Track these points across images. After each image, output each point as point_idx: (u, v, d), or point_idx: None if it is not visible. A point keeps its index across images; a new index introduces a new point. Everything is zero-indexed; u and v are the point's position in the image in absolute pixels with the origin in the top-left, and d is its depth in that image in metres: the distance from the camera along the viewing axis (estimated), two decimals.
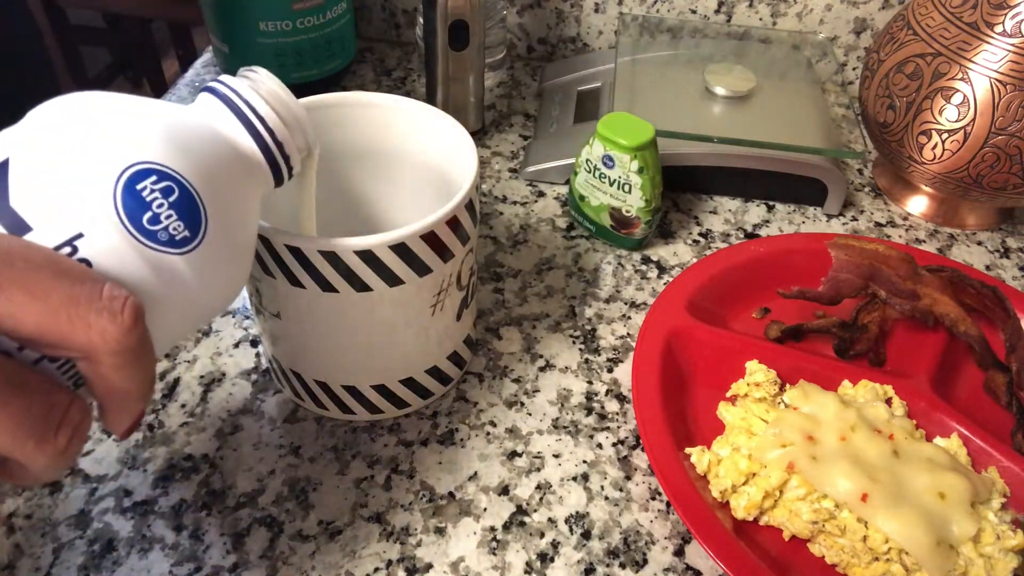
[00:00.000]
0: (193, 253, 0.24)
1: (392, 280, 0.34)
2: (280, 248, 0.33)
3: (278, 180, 0.29)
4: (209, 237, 0.24)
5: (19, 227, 0.21)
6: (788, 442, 0.37)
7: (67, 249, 0.22)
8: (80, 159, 0.22)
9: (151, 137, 0.23)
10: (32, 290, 0.20)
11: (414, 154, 0.42)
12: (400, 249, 0.33)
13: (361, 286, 0.34)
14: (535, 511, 0.38)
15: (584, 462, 0.40)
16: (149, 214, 0.22)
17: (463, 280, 0.38)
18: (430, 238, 0.34)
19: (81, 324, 0.20)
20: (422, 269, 0.34)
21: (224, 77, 0.28)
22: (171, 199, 0.23)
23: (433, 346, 0.39)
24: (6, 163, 0.22)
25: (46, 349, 0.21)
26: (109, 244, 0.22)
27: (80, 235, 0.22)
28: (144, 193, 0.22)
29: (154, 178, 0.23)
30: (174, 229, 0.23)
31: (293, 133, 0.28)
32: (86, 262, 0.22)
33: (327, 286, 0.33)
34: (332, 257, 0.32)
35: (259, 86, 0.28)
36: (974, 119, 0.48)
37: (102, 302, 0.20)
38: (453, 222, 0.34)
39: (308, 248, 0.32)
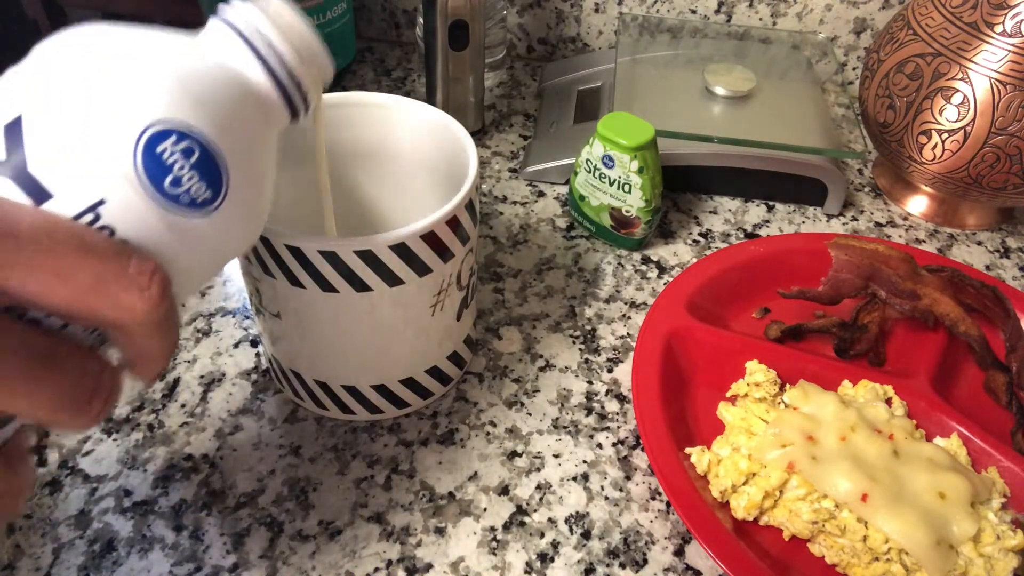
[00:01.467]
0: (216, 213, 0.23)
1: (392, 280, 0.34)
2: (280, 248, 0.33)
3: (295, 115, 0.28)
4: (231, 194, 0.24)
5: (40, 194, 0.21)
6: (788, 442, 0.37)
7: (90, 216, 0.21)
8: (97, 120, 0.22)
9: (167, 90, 0.23)
10: (59, 270, 0.20)
11: (414, 154, 0.42)
12: (400, 249, 0.33)
13: (361, 286, 0.34)
14: (535, 511, 0.38)
15: (584, 462, 0.40)
16: (170, 178, 0.22)
17: (463, 280, 0.38)
18: (430, 238, 0.34)
19: (109, 301, 0.20)
20: (422, 269, 0.34)
21: (237, 4, 0.26)
22: (192, 160, 0.22)
23: (433, 346, 0.39)
24: (19, 122, 0.21)
25: (74, 323, 0.21)
26: (131, 210, 0.22)
27: (102, 201, 0.21)
28: (164, 156, 0.22)
29: (173, 139, 0.22)
30: (196, 191, 0.23)
31: (308, 66, 0.27)
32: (109, 228, 0.22)
33: (327, 286, 0.33)
34: (332, 257, 0.32)
35: (275, 17, 0.26)
36: (974, 119, 0.48)
37: (129, 278, 0.21)
38: (453, 222, 0.34)
39: (308, 248, 0.32)
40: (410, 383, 0.40)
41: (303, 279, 0.33)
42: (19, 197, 0.21)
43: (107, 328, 0.22)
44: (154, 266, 0.21)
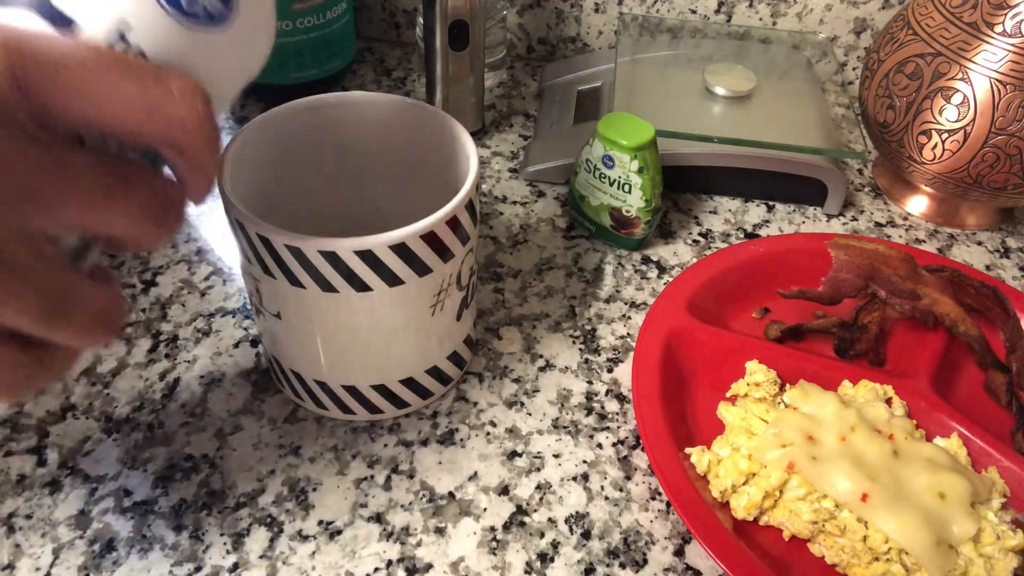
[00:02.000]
0: (232, 26, 0.24)
1: (392, 280, 0.34)
2: (280, 248, 0.33)
3: None
4: (242, 5, 0.24)
5: (65, 23, 0.22)
6: (788, 442, 0.37)
7: (120, 44, 0.22)
8: None
9: None
10: (113, 97, 0.21)
11: (414, 154, 0.42)
12: (400, 249, 0.33)
13: (361, 286, 0.34)
14: (535, 511, 0.38)
15: (584, 462, 0.40)
16: None
17: (463, 280, 0.38)
18: (430, 238, 0.34)
19: (161, 123, 0.22)
20: (422, 269, 0.34)
21: None
22: None
23: (433, 346, 0.39)
24: None
25: (131, 144, 0.24)
26: (156, 31, 0.23)
27: (128, 27, 0.22)
28: None
29: None
30: (211, 5, 0.23)
31: None
32: (139, 51, 0.23)
33: (327, 286, 0.33)
34: (332, 257, 0.32)
35: None
36: (974, 119, 0.48)
37: (175, 96, 0.22)
38: (453, 222, 0.34)
39: (308, 248, 0.32)
40: (410, 383, 0.40)
41: (303, 279, 0.33)
42: (48, 30, 0.22)
43: (161, 145, 0.23)
44: (194, 83, 0.23)
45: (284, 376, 0.40)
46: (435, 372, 0.40)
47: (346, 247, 0.32)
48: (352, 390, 0.39)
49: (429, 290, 0.36)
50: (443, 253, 0.35)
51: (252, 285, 0.37)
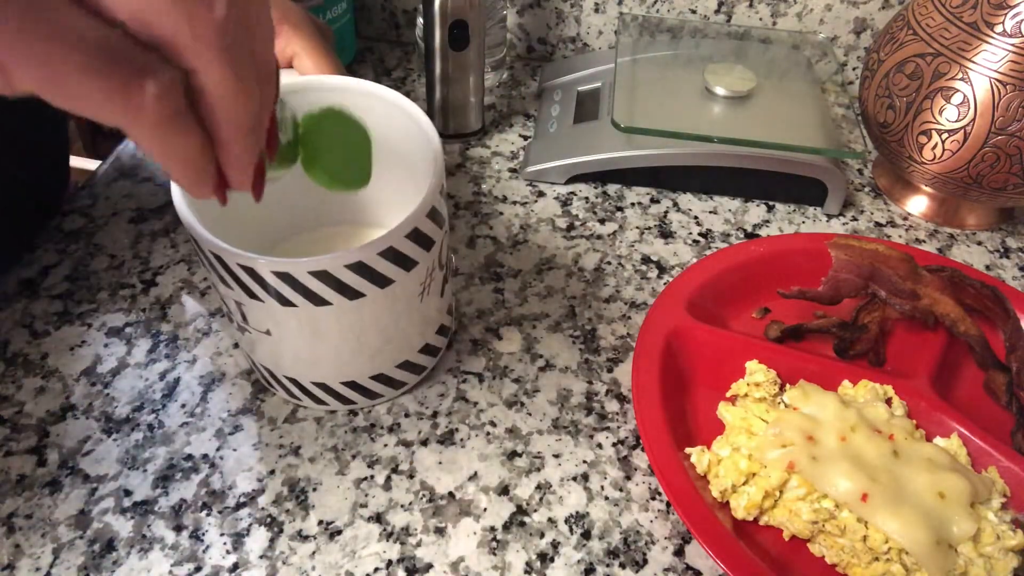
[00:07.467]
0: None
1: (382, 282, 0.34)
2: (267, 275, 0.32)
3: None
4: None
5: None
6: (788, 442, 0.37)
7: None
8: None
9: None
10: None
11: (388, 146, 0.40)
12: (389, 253, 0.33)
13: (353, 294, 0.34)
14: (535, 511, 0.38)
15: (584, 462, 0.40)
16: None
17: (443, 260, 0.39)
18: (415, 235, 0.34)
19: (179, 10, 0.20)
20: (408, 264, 0.35)
21: None
22: None
23: (426, 326, 0.40)
24: None
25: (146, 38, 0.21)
26: None
27: None
28: None
29: None
30: None
31: None
32: None
33: (320, 301, 0.33)
34: (323, 275, 0.32)
35: None
36: (974, 119, 0.48)
37: None
38: (432, 213, 0.34)
39: (297, 271, 0.32)
40: (406, 365, 0.40)
41: (294, 299, 0.33)
42: None
43: (172, 48, 0.20)
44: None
45: (278, 382, 0.40)
46: (426, 348, 0.41)
47: (337, 263, 0.32)
48: (352, 384, 0.39)
49: (417, 280, 0.36)
50: (426, 244, 0.35)
51: (233, 306, 0.36)
